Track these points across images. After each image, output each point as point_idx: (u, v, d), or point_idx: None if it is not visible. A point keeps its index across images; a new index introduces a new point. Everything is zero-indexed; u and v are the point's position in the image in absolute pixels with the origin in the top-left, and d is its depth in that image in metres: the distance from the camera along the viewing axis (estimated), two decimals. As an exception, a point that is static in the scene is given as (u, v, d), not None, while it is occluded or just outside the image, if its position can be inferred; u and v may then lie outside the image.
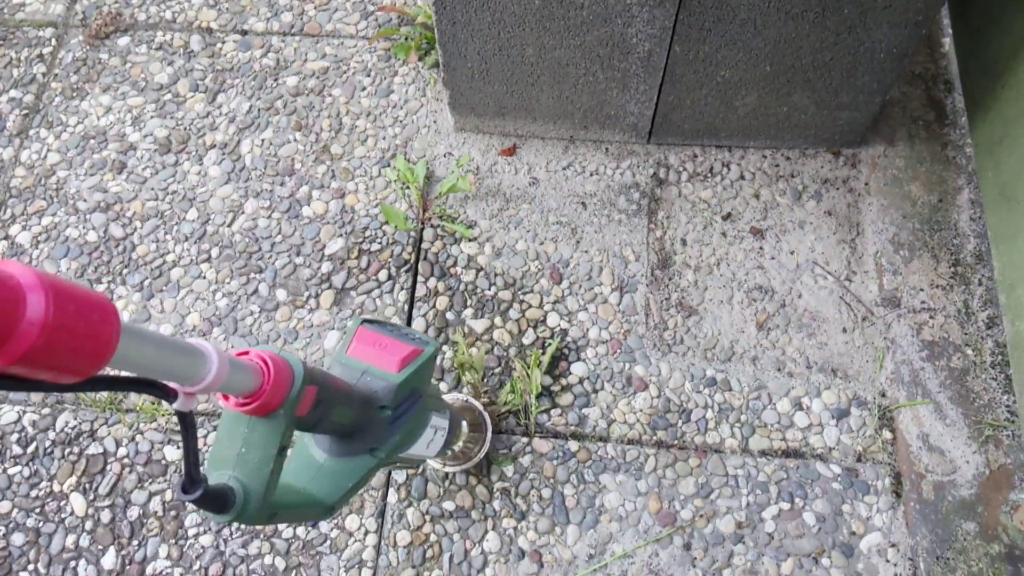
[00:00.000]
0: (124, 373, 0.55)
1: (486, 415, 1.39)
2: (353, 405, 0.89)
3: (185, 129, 1.73)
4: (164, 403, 1.45)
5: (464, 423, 1.31)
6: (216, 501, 0.70)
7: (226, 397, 0.71)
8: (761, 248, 1.55)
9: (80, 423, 1.45)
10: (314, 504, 0.89)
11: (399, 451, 1.00)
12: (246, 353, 0.72)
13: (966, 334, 1.44)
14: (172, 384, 0.61)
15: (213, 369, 0.63)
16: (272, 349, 0.75)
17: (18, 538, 1.37)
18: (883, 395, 1.42)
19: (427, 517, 1.36)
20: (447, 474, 1.39)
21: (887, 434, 1.39)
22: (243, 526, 0.84)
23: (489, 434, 1.38)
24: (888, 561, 1.31)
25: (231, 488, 0.73)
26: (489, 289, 1.54)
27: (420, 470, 1.39)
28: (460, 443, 1.32)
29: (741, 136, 1.60)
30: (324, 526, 1.36)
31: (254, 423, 0.75)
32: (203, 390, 0.63)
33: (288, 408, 0.74)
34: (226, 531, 1.36)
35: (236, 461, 0.75)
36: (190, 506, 1.39)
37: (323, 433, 0.90)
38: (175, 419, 1.44)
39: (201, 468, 0.69)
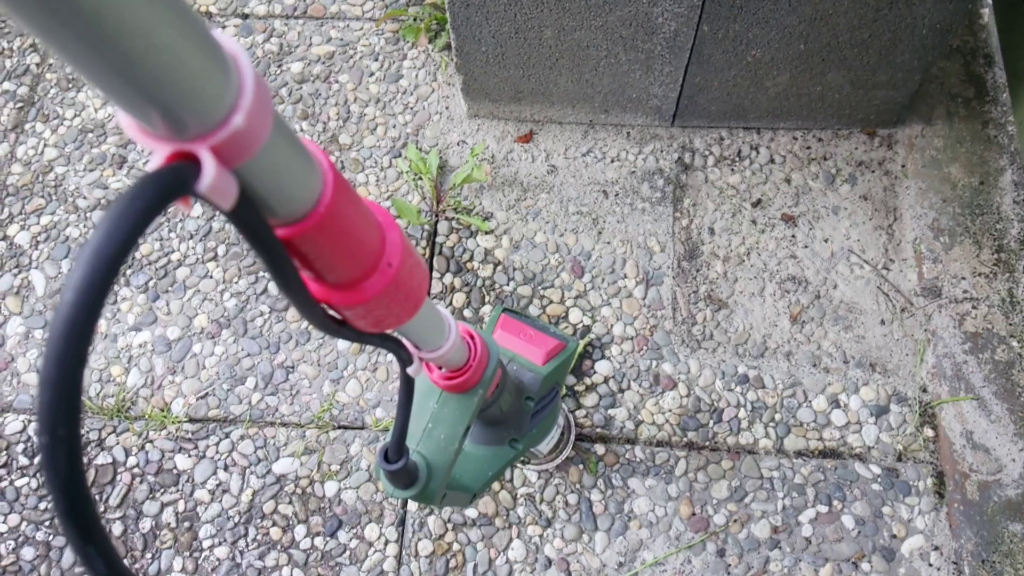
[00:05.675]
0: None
1: (568, 412, 1.35)
2: (512, 392, 0.88)
3: (186, 120, 1.65)
4: (172, 412, 1.40)
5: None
6: (409, 476, 0.69)
7: (429, 368, 0.70)
8: (793, 236, 1.47)
9: (87, 432, 1.40)
10: (462, 489, 0.87)
11: (533, 444, 0.99)
12: None
13: (1011, 324, 1.37)
14: (411, 348, 0.60)
15: (452, 339, 0.62)
16: (469, 326, 0.72)
17: (28, 552, 1.33)
18: (924, 391, 1.36)
19: (449, 525, 1.31)
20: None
21: (929, 432, 1.33)
22: (419, 503, 0.88)
23: (573, 433, 1.33)
24: (931, 565, 1.25)
25: (415, 463, 0.71)
26: (508, 284, 1.47)
27: None
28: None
29: (771, 117, 1.52)
30: (343, 536, 1.31)
31: (446, 399, 0.73)
32: (435, 358, 0.62)
33: (484, 387, 0.73)
34: (241, 543, 1.32)
35: (422, 436, 0.73)
36: (206, 515, 1.34)
37: (483, 418, 0.89)
38: (186, 426, 1.39)
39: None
